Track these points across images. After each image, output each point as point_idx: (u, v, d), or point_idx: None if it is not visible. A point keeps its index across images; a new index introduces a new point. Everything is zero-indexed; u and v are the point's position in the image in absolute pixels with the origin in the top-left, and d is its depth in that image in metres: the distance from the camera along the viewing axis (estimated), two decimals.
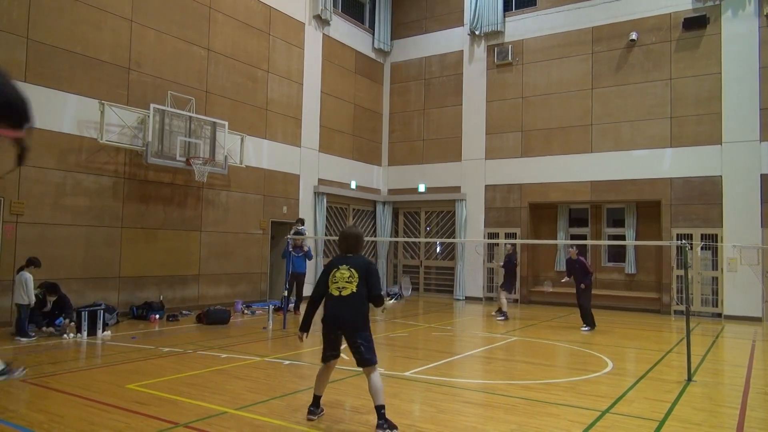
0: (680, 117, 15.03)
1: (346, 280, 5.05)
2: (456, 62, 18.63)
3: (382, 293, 5.25)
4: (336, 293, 5.05)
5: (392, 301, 5.55)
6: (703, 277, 14.56)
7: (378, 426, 4.84)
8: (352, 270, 5.08)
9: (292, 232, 13.19)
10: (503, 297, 13.59)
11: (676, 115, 15.09)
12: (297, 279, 13.11)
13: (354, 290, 5.02)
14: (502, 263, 14.45)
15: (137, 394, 5.94)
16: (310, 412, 5.20)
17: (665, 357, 8.88)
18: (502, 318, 13.19)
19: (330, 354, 5.16)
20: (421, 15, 19.53)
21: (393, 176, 19.76)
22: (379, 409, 4.89)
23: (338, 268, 5.12)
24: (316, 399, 5.27)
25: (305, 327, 5.26)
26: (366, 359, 4.98)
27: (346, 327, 5.05)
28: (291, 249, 12.70)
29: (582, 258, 12.36)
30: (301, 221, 14.05)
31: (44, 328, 9.55)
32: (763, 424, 5.48)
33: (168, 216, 12.53)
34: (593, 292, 16.80)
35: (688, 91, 14.96)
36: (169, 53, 12.73)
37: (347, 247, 5.27)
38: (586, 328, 11.74)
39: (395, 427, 4.87)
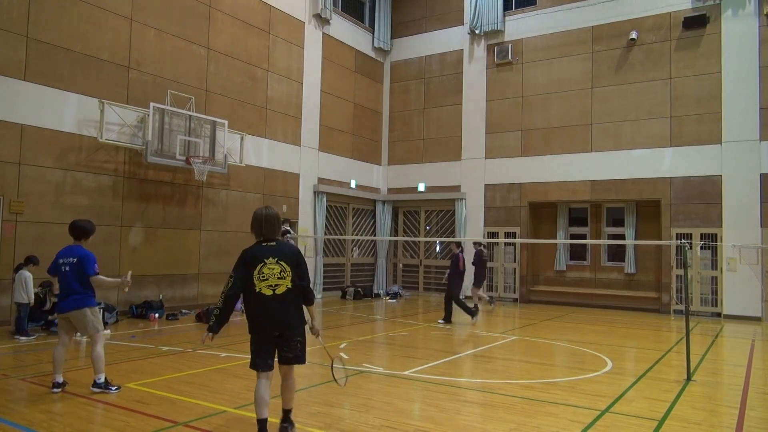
0: (680, 116, 15.03)
1: (278, 276, 4.50)
2: (456, 61, 18.62)
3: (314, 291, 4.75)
4: (269, 292, 4.46)
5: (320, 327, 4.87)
6: (703, 277, 14.57)
7: (281, 429, 4.62)
8: (282, 263, 4.53)
9: (281, 233, 13.21)
10: (478, 293, 14.39)
11: (676, 114, 15.09)
12: None
13: (289, 286, 4.52)
14: (472, 261, 14.36)
15: (137, 393, 5.94)
16: None
17: (665, 356, 8.89)
18: (493, 304, 14.57)
19: (270, 362, 4.55)
20: (421, 14, 19.52)
21: (393, 175, 19.76)
22: (288, 413, 4.68)
23: (265, 263, 4.50)
24: (262, 425, 4.43)
25: (217, 328, 4.55)
26: (300, 357, 4.59)
27: (288, 327, 4.52)
28: None
29: (461, 255, 12.55)
30: (287, 221, 14.28)
31: (52, 328, 9.56)
32: (763, 423, 5.49)
33: (168, 215, 12.53)
34: (594, 291, 16.89)
35: (688, 91, 14.96)
36: (169, 52, 12.72)
37: (268, 231, 4.67)
38: (442, 322, 12.11)
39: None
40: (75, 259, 6.01)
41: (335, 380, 5.14)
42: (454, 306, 12.32)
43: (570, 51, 16.68)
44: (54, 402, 5.58)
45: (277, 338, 4.52)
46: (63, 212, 10.72)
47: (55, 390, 5.86)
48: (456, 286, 12.36)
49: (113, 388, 5.92)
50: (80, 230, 6.21)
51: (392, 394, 6.18)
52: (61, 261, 6.04)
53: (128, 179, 11.84)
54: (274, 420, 4.67)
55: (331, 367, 5.13)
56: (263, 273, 4.49)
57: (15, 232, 10.04)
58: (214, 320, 4.54)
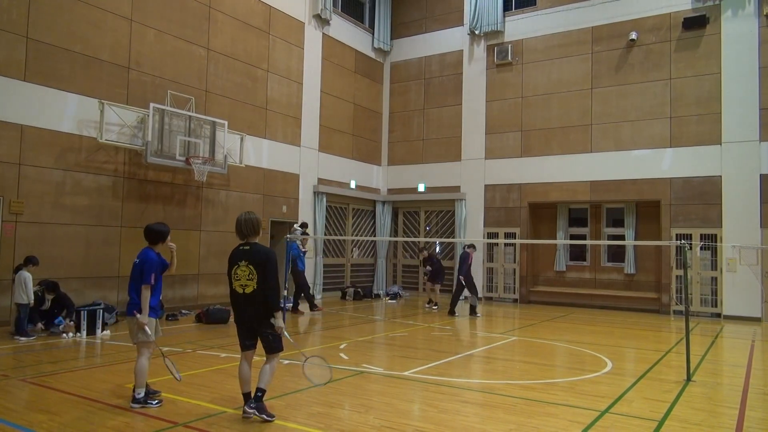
0: (680, 117, 15.04)
1: (247, 278, 5.14)
2: (456, 62, 18.63)
3: (278, 302, 5.19)
4: (240, 290, 5.17)
5: (283, 325, 5.21)
6: (703, 277, 14.57)
7: (248, 405, 5.05)
8: (251, 267, 5.13)
9: (301, 232, 13.69)
10: (437, 289, 15.07)
11: (676, 115, 15.09)
12: (304, 278, 13.66)
13: (255, 287, 5.12)
14: (429, 263, 15.39)
15: None
16: (245, 412, 5.08)
17: (664, 357, 8.89)
18: (436, 308, 14.74)
19: (249, 343, 5.26)
20: (421, 14, 19.52)
21: (393, 176, 19.76)
22: (258, 391, 5.08)
23: (238, 265, 5.19)
24: (247, 397, 5.16)
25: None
26: (273, 347, 5.21)
27: (256, 322, 5.18)
28: (303, 250, 13.61)
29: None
30: (305, 224, 14.76)
31: (44, 327, 9.54)
32: (762, 424, 5.49)
33: (167, 215, 12.52)
34: (594, 292, 16.91)
35: (688, 91, 14.96)
36: (168, 52, 12.72)
37: (245, 235, 5.29)
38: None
39: (272, 416, 5.04)
40: (139, 261, 5.70)
41: (308, 378, 5.83)
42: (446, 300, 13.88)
43: (570, 51, 16.68)
44: (54, 403, 5.57)
45: (252, 329, 5.23)
46: (63, 212, 10.73)
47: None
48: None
49: (154, 403, 5.44)
50: (156, 234, 5.84)
51: (392, 395, 6.18)
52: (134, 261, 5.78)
53: (128, 180, 11.84)
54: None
55: (304, 364, 5.80)
56: (237, 274, 5.21)
57: (15, 232, 10.04)
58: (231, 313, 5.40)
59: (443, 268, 15.59)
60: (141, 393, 5.44)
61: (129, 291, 5.70)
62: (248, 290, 5.12)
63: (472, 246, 14.17)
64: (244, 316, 5.22)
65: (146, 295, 5.59)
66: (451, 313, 13.65)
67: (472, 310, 13.74)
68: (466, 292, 14.21)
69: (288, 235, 11.88)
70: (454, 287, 14.16)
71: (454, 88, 18.59)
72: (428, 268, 15.18)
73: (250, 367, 5.25)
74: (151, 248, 5.82)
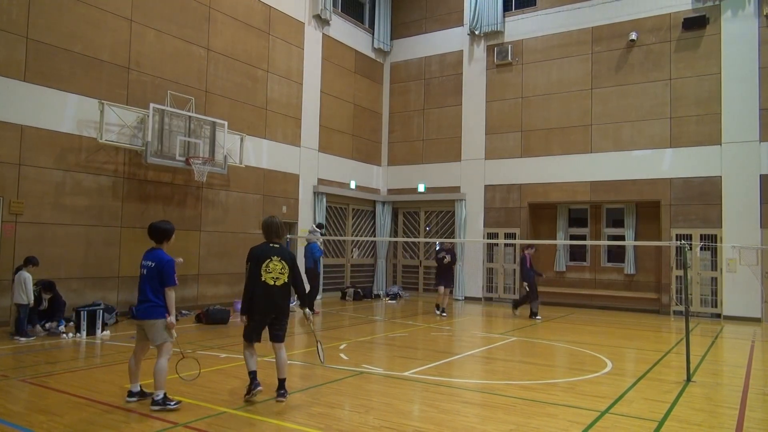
0: (680, 117, 15.04)
1: (279, 272, 5.78)
2: (456, 62, 18.63)
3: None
4: (271, 282, 5.74)
5: (311, 313, 6.11)
6: (703, 278, 14.56)
7: (279, 395, 5.72)
8: (283, 262, 5.83)
9: (320, 233, 14.10)
10: (447, 292, 14.10)
11: (676, 115, 15.09)
12: (317, 281, 13.90)
13: (286, 281, 5.82)
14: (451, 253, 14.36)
15: None
16: (253, 389, 5.65)
17: (664, 357, 8.89)
18: (445, 314, 13.75)
19: (259, 336, 5.83)
20: (421, 15, 19.52)
21: (393, 176, 19.76)
22: (282, 382, 5.78)
23: (271, 259, 5.78)
24: (253, 375, 5.69)
25: (247, 310, 5.84)
26: (282, 336, 5.85)
27: (282, 311, 5.83)
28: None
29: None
30: (322, 225, 15.10)
31: (46, 326, 9.53)
32: (762, 424, 5.49)
33: (167, 215, 12.49)
34: (593, 292, 16.88)
35: (688, 92, 14.96)
36: (168, 53, 12.73)
37: (276, 236, 5.94)
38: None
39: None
40: (153, 264, 5.56)
41: (320, 356, 6.47)
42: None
43: (570, 52, 16.68)
44: (54, 403, 5.57)
45: (273, 319, 5.81)
46: (63, 213, 10.73)
47: (129, 399, 5.52)
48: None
49: (172, 404, 5.37)
50: (161, 232, 5.75)
51: (392, 395, 6.18)
52: (142, 263, 5.66)
53: (128, 180, 11.84)
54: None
55: (317, 347, 6.53)
56: (269, 267, 5.76)
57: (15, 232, 10.04)
58: (243, 305, 5.86)
59: (453, 270, 14.59)
60: (160, 395, 5.37)
61: (144, 293, 5.56)
62: (279, 282, 5.76)
63: (531, 247, 13.52)
64: (269, 305, 5.72)
65: (172, 296, 5.61)
66: (513, 308, 14.11)
67: (531, 313, 13.54)
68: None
69: (288, 235, 11.89)
70: (521, 294, 14.16)
71: (454, 88, 18.58)
72: (447, 257, 13.94)
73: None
74: (159, 248, 5.75)
